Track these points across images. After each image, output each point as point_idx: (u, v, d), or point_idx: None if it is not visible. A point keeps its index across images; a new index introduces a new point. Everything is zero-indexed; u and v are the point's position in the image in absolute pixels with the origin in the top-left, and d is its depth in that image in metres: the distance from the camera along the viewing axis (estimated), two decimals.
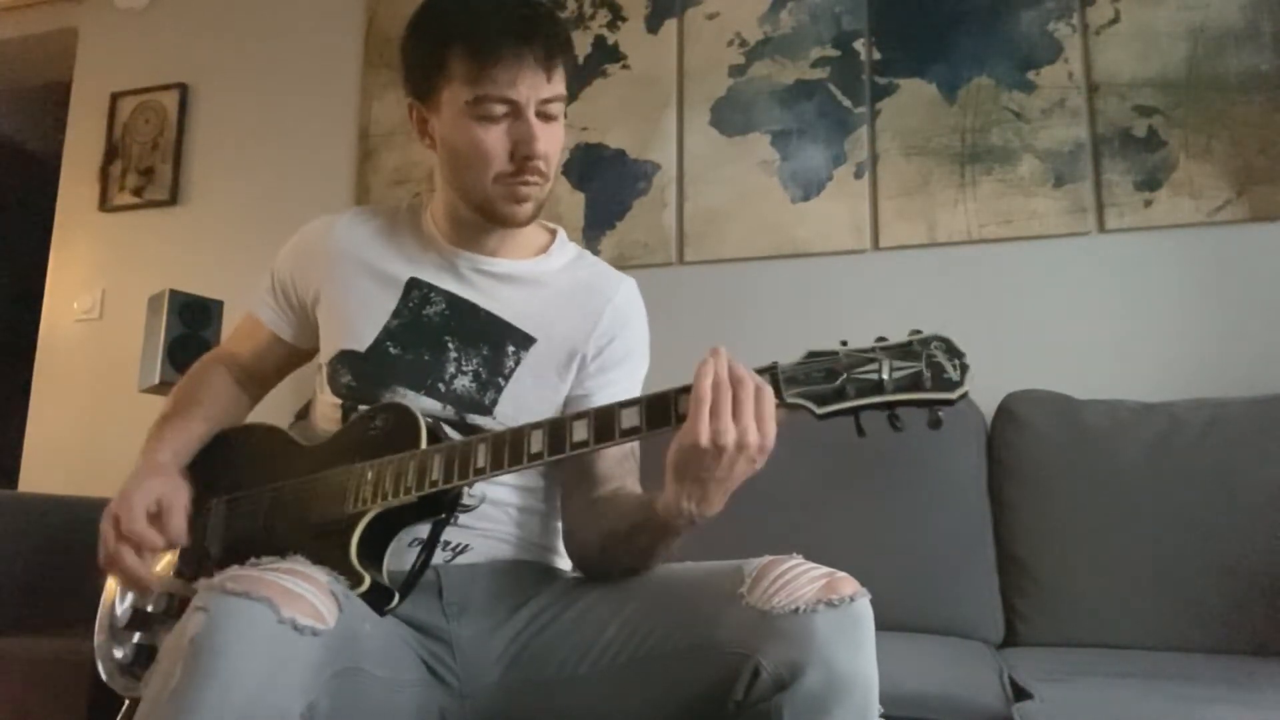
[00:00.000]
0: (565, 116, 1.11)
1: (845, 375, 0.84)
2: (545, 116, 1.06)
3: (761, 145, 2.26)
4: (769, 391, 0.85)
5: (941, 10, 2.18)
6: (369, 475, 1.01)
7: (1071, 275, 2.02)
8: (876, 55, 2.22)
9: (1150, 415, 1.74)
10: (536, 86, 1.04)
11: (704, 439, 0.83)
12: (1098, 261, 2.01)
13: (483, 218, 1.13)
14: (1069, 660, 1.47)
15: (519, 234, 1.17)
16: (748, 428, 0.83)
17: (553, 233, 1.25)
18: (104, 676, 1.13)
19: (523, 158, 1.05)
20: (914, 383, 0.82)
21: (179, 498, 1.08)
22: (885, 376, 0.82)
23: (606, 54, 2.42)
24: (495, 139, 1.05)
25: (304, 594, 0.80)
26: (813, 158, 2.22)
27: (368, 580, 0.96)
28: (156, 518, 1.05)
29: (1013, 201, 2.07)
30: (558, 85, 1.06)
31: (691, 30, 2.37)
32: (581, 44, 2.43)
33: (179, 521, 1.06)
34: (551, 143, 1.08)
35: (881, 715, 0.86)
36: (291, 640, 0.77)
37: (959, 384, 0.81)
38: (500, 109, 1.04)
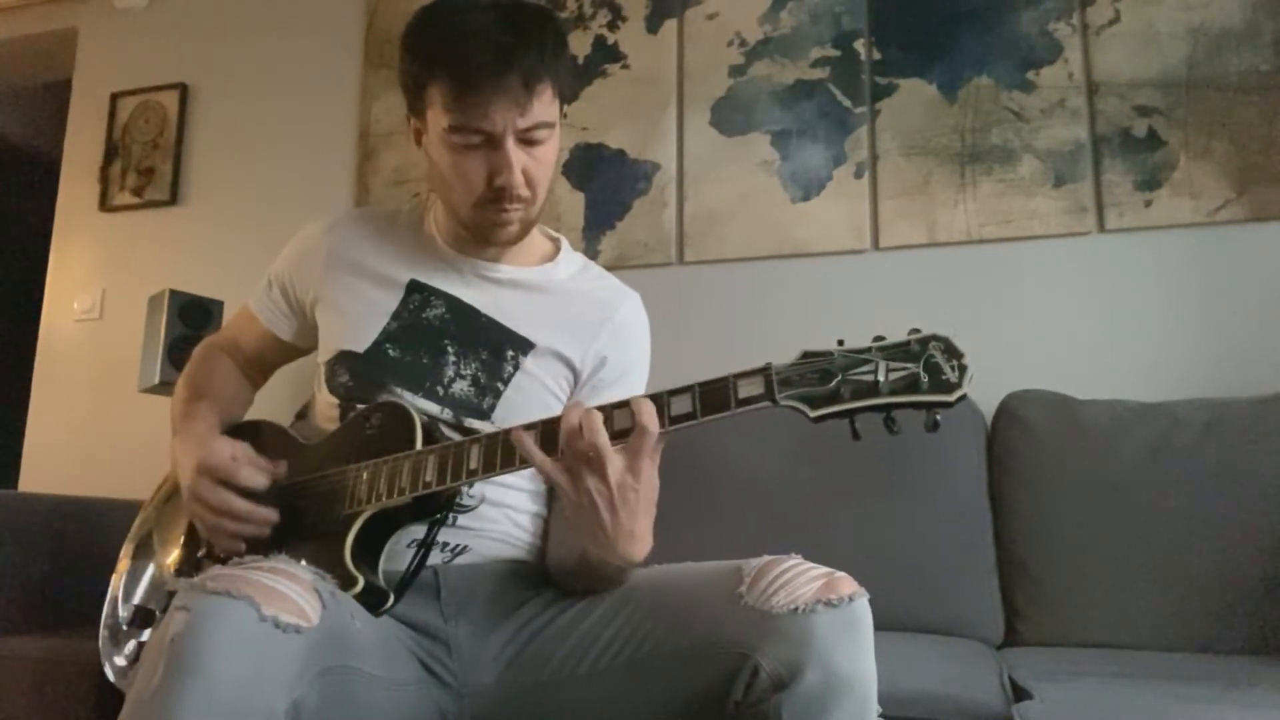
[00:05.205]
0: (565, 116, 1.10)
1: (840, 377, 0.82)
2: (528, 142, 1.04)
3: (761, 145, 2.26)
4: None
5: (941, 10, 2.17)
6: (364, 476, 1.01)
7: (1071, 275, 2.02)
8: (876, 55, 2.21)
9: (1150, 415, 1.73)
10: (514, 116, 1.01)
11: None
12: (1098, 261, 2.01)
13: (470, 235, 1.13)
14: (1069, 660, 1.47)
15: (522, 242, 1.17)
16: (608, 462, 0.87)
17: (556, 241, 1.25)
18: (109, 675, 1.13)
19: (499, 187, 1.05)
20: (910, 384, 0.80)
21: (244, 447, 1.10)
22: (881, 378, 0.80)
23: (606, 54, 2.42)
24: (472, 167, 1.05)
25: (287, 592, 0.80)
26: (813, 158, 2.22)
27: (362, 582, 0.95)
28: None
29: (1013, 201, 2.07)
30: (541, 111, 1.03)
31: (691, 30, 2.37)
32: (581, 44, 2.43)
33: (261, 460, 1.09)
34: (535, 166, 1.06)
35: (881, 715, 0.86)
36: (274, 638, 0.77)
37: (957, 386, 0.79)
38: (476, 138, 1.03)
